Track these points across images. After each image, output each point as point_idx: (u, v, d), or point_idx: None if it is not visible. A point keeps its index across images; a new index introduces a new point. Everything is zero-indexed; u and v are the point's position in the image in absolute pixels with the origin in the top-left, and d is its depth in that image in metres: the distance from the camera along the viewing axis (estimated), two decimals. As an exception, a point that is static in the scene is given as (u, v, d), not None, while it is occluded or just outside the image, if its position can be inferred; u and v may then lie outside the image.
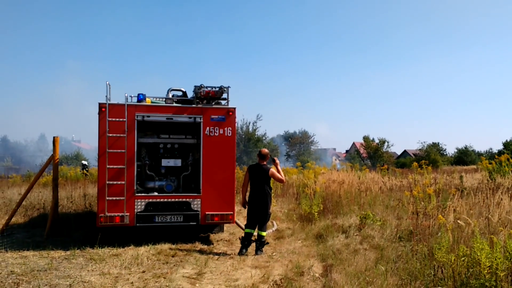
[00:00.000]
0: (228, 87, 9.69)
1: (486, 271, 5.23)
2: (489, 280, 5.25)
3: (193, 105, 9.62)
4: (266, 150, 9.35)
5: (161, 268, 7.47)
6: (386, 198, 13.18)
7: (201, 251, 8.86)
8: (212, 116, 9.56)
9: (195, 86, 9.64)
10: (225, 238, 10.27)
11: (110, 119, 9.06)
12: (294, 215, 12.88)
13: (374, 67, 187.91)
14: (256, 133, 46.13)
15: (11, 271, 7.16)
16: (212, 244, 9.65)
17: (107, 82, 9.20)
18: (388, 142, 54.82)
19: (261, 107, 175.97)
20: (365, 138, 55.84)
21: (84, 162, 34.24)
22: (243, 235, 9.03)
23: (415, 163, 15.36)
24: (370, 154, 55.30)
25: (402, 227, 9.54)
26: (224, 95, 9.74)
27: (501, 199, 8.22)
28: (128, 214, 9.06)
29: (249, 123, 45.83)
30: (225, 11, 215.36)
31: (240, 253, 8.65)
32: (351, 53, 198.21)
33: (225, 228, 10.91)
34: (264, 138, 47.76)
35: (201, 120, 9.49)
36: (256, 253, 8.68)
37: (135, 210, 9.15)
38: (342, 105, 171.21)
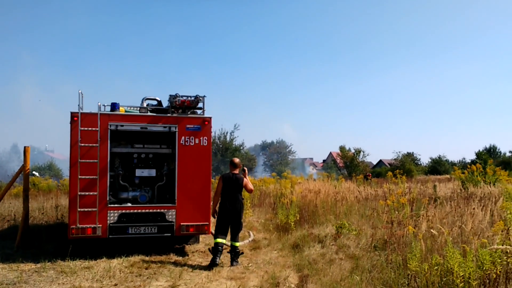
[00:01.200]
0: (204, 96, 9.61)
1: (459, 280, 5.24)
2: (462, 288, 5.27)
3: (168, 115, 9.50)
4: (238, 160, 9.29)
5: (134, 281, 7.30)
6: (362, 207, 13.24)
7: (175, 263, 8.70)
8: (188, 126, 9.45)
9: (170, 95, 9.53)
10: (201, 249, 10.11)
11: (82, 128, 8.87)
12: (271, 225, 12.80)
13: (349, 76, 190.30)
14: (234, 143, 46.01)
15: (-23, 285, 6.90)
16: (187, 255, 9.49)
17: (80, 91, 9.02)
18: (363, 152, 55.23)
19: (238, 116, 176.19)
20: (341, 148, 56.17)
21: (35, 173, 33.71)
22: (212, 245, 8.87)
23: (389, 173, 15.49)
24: (347, 164, 55.65)
25: (377, 236, 9.57)
26: (200, 105, 9.65)
27: (473, 208, 8.30)
28: (100, 225, 8.85)
29: (227, 133, 45.77)
30: (200, 18, 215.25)
31: (212, 263, 8.40)
32: (325, 62, 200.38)
33: (200, 239, 10.76)
34: (241, 147, 47.69)
35: (176, 130, 9.37)
36: (232, 264, 8.55)
37: (108, 221, 8.95)
38: (319, 115, 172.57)
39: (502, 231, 6.13)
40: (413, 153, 66.01)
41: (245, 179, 9.00)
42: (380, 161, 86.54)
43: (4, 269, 8.04)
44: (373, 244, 8.99)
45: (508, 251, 5.48)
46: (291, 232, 11.40)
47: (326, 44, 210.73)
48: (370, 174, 41.93)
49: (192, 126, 9.47)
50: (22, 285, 6.98)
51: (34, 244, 10.25)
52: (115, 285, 7.06)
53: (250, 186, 9.13)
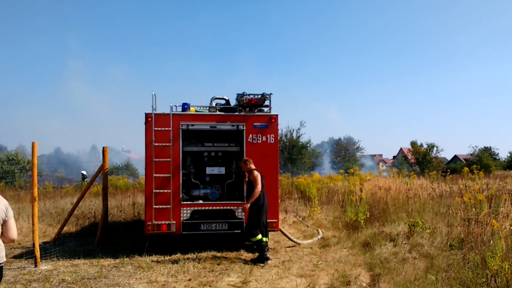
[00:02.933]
0: (270, 94, 9.69)
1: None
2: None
3: (236, 113, 9.67)
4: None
5: (207, 276, 7.50)
6: (436, 204, 12.75)
7: (246, 260, 8.83)
8: (255, 124, 9.56)
9: (237, 94, 9.70)
10: (270, 246, 10.19)
11: (156, 128, 9.24)
12: (340, 222, 12.66)
13: (421, 72, 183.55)
14: (300, 140, 45.79)
15: (62, 279, 7.37)
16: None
17: (153, 93, 9.40)
18: (437, 147, 53.11)
19: (304, 114, 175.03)
20: (413, 143, 54.28)
21: (84, 172, 34.86)
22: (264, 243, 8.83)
23: (465, 168, 14.78)
24: (419, 160, 53.73)
25: (453, 235, 9.18)
26: (267, 102, 9.74)
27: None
28: (174, 222, 9.18)
29: (293, 130, 45.58)
30: (261, 17, 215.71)
31: (267, 260, 8.62)
32: (396, 57, 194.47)
33: (270, 236, 10.84)
34: (308, 144, 47.38)
35: (244, 128, 9.52)
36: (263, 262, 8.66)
37: (181, 218, 9.26)
38: (388, 111, 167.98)
39: None
40: (490, 147, 62.70)
41: None
42: (455, 156, 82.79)
43: (85, 264, 8.53)
44: (448, 243, 8.64)
45: None
46: (361, 230, 11.20)
47: (397, 40, 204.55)
48: (449, 170, 40.16)
49: (259, 124, 9.57)
50: (102, 280, 7.36)
51: (113, 240, 10.80)
52: (189, 280, 7.29)
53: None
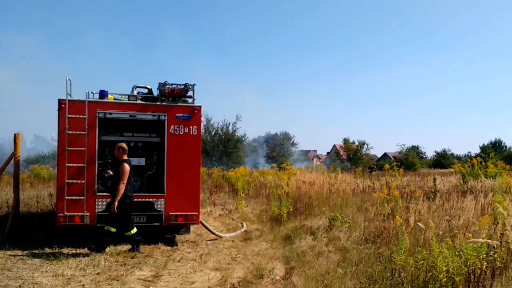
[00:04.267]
0: (194, 84, 9.46)
1: (442, 275, 5.08)
2: (446, 284, 5.11)
3: (158, 103, 9.36)
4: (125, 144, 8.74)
5: (117, 270, 7.20)
6: (359, 200, 13.08)
7: (163, 253, 8.61)
8: (177, 114, 9.31)
9: (159, 83, 9.39)
10: (191, 240, 10.01)
11: (69, 115, 8.76)
12: (265, 216, 12.68)
13: (356, 69, 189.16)
14: (236, 134, 45.86)
15: (-42, 273, 6.83)
16: (176, 245, 9.38)
17: (67, 78, 8.89)
18: (367, 145, 55.06)
19: (242, 108, 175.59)
20: (345, 141, 55.97)
21: None
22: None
23: (386, 165, 15.29)
24: (350, 156, 55.43)
25: (370, 229, 9.41)
26: (190, 93, 9.51)
27: (463, 201, 8.13)
28: (88, 214, 8.76)
29: (229, 124, 45.55)
30: (210, 8, 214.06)
31: (138, 251, 8.47)
32: (332, 55, 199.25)
33: (192, 229, 10.66)
34: (244, 138, 47.56)
35: (166, 118, 9.24)
36: (136, 251, 8.51)
37: (96, 210, 8.85)
38: (324, 107, 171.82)
39: (491, 226, 5.98)
40: (418, 146, 65.78)
41: None
42: (385, 154, 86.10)
43: (-10, 257, 7.96)
44: (365, 237, 8.84)
45: (495, 246, 5.31)
46: (283, 223, 11.27)
47: (330, 39, 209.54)
48: (375, 167, 41.67)
49: (181, 115, 9.33)
50: (4, 273, 6.90)
51: (25, 232, 10.21)
52: (98, 274, 6.96)
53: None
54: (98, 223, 8.84)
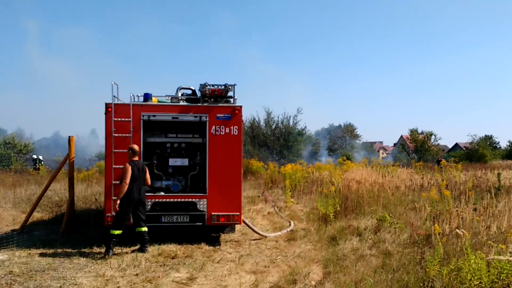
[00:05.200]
0: (234, 85, 9.47)
1: (474, 289, 4.75)
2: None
3: (199, 104, 9.46)
4: (137, 146, 8.85)
5: (156, 271, 7.36)
6: (411, 198, 12.55)
7: (204, 253, 8.70)
8: (218, 115, 9.36)
9: (200, 85, 9.48)
10: (235, 239, 10.06)
11: (115, 119, 9.06)
12: (313, 215, 12.49)
13: (426, 58, 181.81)
14: (297, 127, 45.58)
15: (10, 271, 7.25)
16: (219, 245, 9.47)
17: (113, 82, 9.18)
18: (435, 135, 52.80)
19: (304, 100, 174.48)
20: (412, 131, 54.03)
21: (36, 156, 33.43)
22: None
23: (443, 161, 14.52)
24: (417, 148, 53.45)
25: (419, 231, 9.00)
26: (230, 93, 9.54)
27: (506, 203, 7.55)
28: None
29: (290, 117, 45.32)
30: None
31: (108, 254, 8.31)
32: (400, 43, 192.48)
33: (237, 228, 10.73)
34: (304, 131, 47.12)
35: (207, 119, 9.32)
36: (141, 251, 8.62)
37: None
38: (392, 96, 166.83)
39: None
40: (491, 136, 62.26)
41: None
42: (456, 144, 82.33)
43: (41, 255, 8.39)
44: (414, 240, 8.43)
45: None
46: (331, 223, 11.05)
47: (398, 28, 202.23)
48: (443, 159, 39.95)
49: (222, 115, 9.37)
50: (49, 273, 7.24)
51: (79, 229, 10.69)
52: (136, 275, 7.16)
53: (149, 178, 9.00)
54: (144, 223, 9.10)
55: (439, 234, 5.77)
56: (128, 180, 8.40)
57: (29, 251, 8.72)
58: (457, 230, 6.09)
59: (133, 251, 8.63)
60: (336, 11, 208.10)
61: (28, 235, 10.18)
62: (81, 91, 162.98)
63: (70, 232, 10.38)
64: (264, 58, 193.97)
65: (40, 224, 11.64)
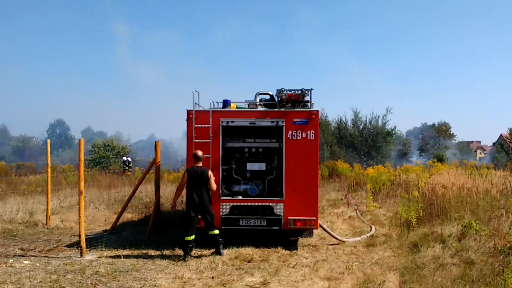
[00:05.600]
0: (311, 89, 9.54)
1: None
2: None
3: (276, 109, 9.60)
4: (200, 152, 9.01)
5: (232, 274, 7.58)
6: (500, 204, 11.74)
7: (280, 257, 8.80)
8: (295, 120, 9.43)
9: (277, 90, 9.64)
10: (312, 243, 10.07)
11: (196, 125, 9.46)
12: (396, 220, 12.10)
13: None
14: (386, 127, 44.17)
15: (96, 271, 7.78)
16: (296, 249, 9.52)
17: (193, 90, 9.58)
18: (538, 133, 48.54)
19: (395, 99, 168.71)
20: (511, 130, 50.19)
21: (126, 159, 33.79)
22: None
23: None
24: (518, 148, 49.57)
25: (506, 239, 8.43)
26: (307, 98, 9.59)
27: None
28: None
29: (378, 117, 44.07)
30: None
31: (184, 259, 8.55)
32: (499, 32, 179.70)
33: (316, 232, 10.71)
34: (394, 132, 45.55)
35: (283, 124, 9.43)
36: (217, 254, 8.82)
37: (221, 213, 9.43)
38: (491, 93, 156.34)
39: None
40: None
41: (210, 171, 8.99)
42: None
43: (127, 256, 8.92)
44: (495, 249, 7.93)
45: None
46: (413, 229, 10.66)
47: (494, 14, 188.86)
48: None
49: (299, 120, 9.43)
50: (132, 273, 7.69)
51: (165, 230, 11.26)
52: (212, 277, 7.42)
53: (213, 181, 8.97)
54: (223, 226, 9.40)
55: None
56: (181, 185, 9.00)
57: (116, 252, 9.34)
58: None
59: (211, 254, 8.93)
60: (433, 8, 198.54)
61: (117, 236, 10.91)
62: (173, 94, 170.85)
63: (156, 233, 10.97)
64: (350, 55, 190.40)
65: (129, 225, 12.42)
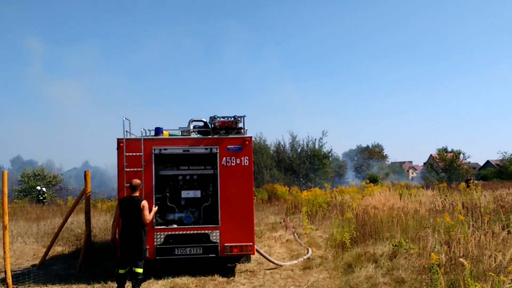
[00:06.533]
0: (243, 116, 9.64)
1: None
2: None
3: (209, 136, 9.61)
4: (137, 181, 8.55)
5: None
6: (428, 223, 12.27)
7: (217, 285, 8.72)
8: (228, 146, 9.47)
9: (210, 117, 9.66)
10: (250, 269, 10.05)
11: (127, 154, 9.26)
12: (332, 241, 12.34)
13: (450, 76, 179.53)
14: (323, 150, 45.30)
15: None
16: (233, 276, 9.46)
17: (124, 118, 9.42)
18: (463, 154, 51.74)
19: (329, 121, 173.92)
20: (440, 151, 53.13)
21: (40, 188, 32.57)
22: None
23: (462, 184, 14.22)
24: (446, 167, 52.40)
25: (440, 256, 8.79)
26: (240, 125, 9.68)
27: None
28: (148, 247, 9.10)
29: (315, 140, 45.17)
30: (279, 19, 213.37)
31: None
32: (424, 62, 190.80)
33: (253, 257, 10.70)
34: (330, 154, 46.77)
35: (217, 151, 9.44)
36: None
37: (155, 243, 9.22)
38: (420, 115, 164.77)
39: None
40: (523, 153, 60.25)
41: (143, 201, 8.31)
42: (488, 162, 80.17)
43: (57, 291, 8.55)
44: (428, 266, 8.24)
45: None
46: (348, 250, 10.91)
47: (422, 46, 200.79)
48: (472, 178, 39.01)
49: (233, 146, 9.48)
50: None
51: (97, 263, 10.82)
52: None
53: (146, 212, 8.22)
54: (157, 256, 9.19)
55: (443, 264, 5.64)
56: (116, 216, 8.52)
57: (45, 287, 8.88)
58: (460, 259, 5.95)
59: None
60: (359, 23, 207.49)
61: (46, 270, 10.37)
62: (103, 119, 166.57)
63: (87, 266, 10.52)
64: (282, 72, 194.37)
65: (59, 258, 11.84)
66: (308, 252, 11.43)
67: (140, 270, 8.13)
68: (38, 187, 33.65)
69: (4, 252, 8.49)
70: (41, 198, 30.84)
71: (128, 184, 8.92)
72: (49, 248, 11.11)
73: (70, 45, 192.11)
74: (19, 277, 9.40)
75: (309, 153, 45.19)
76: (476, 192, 12.48)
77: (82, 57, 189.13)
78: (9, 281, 8.42)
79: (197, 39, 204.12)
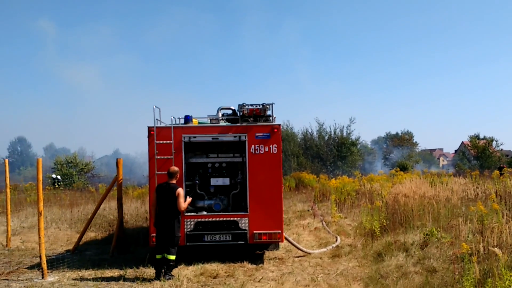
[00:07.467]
0: (272, 103, 9.59)
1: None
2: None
3: (238, 124, 9.63)
4: (175, 168, 8.67)
5: (196, 292, 7.51)
6: (461, 211, 12.06)
7: (246, 272, 8.78)
8: (257, 134, 9.48)
9: (238, 105, 9.67)
10: (279, 256, 10.08)
11: (158, 141, 9.37)
12: (361, 230, 12.26)
13: (486, 59, 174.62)
14: (350, 137, 44.91)
15: (54, 294, 7.60)
16: (262, 263, 9.51)
17: (154, 106, 9.51)
18: (496, 141, 50.54)
19: (358, 109, 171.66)
20: (472, 138, 51.97)
21: (55, 176, 33.26)
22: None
23: (496, 171, 13.84)
24: (478, 155, 51.27)
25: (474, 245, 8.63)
26: (269, 112, 9.66)
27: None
28: (179, 234, 9.24)
29: (343, 127, 44.79)
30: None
31: (157, 278, 8.22)
32: (461, 46, 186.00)
33: (282, 244, 10.73)
34: (358, 142, 46.32)
35: (246, 138, 9.46)
36: (165, 278, 8.18)
37: (185, 229, 9.34)
38: (452, 101, 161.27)
39: None
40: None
41: (179, 189, 8.40)
42: (522, 149, 78.08)
43: (89, 277, 8.68)
44: (455, 256, 8.12)
45: None
46: (377, 239, 10.82)
47: (457, 30, 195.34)
48: (505, 166, 38.03)
49: (261, 134, 9.48)
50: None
51: (129, 248, 11.06)
52: (176, 295, 7.33)
53: (181, 200, 8.34)
54: (187, 243, 9.32)
55: (476, 253, 5.53)
56: (151, 202, 8.75)
57: (79, 272, 9.10)
58: (494, 248, 5.83)
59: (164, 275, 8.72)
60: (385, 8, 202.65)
61: (80, 256, 10.65)
62: (134, 108, 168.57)
63: (119, 251, 10.77)
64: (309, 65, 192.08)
65: (92, 244, 12.15)
66: (337, 240, 11.39)
67: (172, 257, 8.29)
68: (54, 175, 34.41)
69: (39, 237, 8.72)
70: (57, 186, 31.45)
71: (161, 172, 9.13)
72: (82, 234, 11.39)
73: (83, 26, 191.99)
74: (53, 262, 9.68)
75: (336, 140, 44.88)
76: (510, 180, 12.14)
77: (96, 39, 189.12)
78: (44, 266, 8.64)
79: (214, 16, 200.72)
